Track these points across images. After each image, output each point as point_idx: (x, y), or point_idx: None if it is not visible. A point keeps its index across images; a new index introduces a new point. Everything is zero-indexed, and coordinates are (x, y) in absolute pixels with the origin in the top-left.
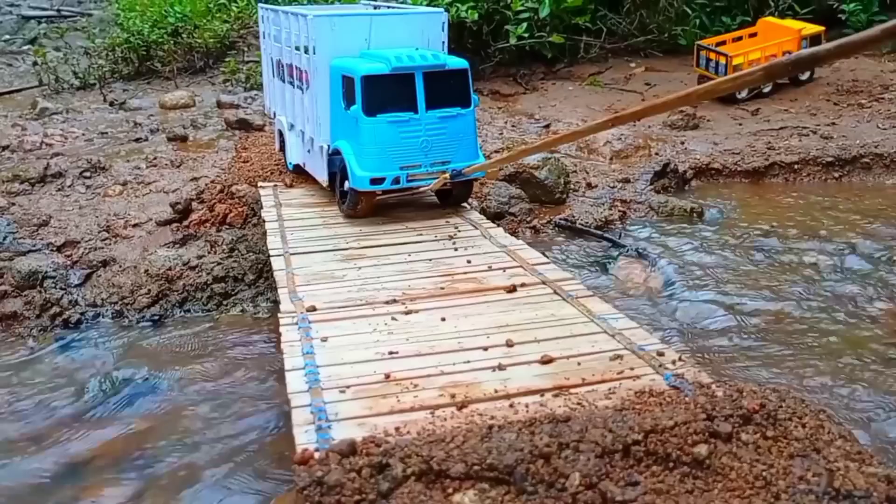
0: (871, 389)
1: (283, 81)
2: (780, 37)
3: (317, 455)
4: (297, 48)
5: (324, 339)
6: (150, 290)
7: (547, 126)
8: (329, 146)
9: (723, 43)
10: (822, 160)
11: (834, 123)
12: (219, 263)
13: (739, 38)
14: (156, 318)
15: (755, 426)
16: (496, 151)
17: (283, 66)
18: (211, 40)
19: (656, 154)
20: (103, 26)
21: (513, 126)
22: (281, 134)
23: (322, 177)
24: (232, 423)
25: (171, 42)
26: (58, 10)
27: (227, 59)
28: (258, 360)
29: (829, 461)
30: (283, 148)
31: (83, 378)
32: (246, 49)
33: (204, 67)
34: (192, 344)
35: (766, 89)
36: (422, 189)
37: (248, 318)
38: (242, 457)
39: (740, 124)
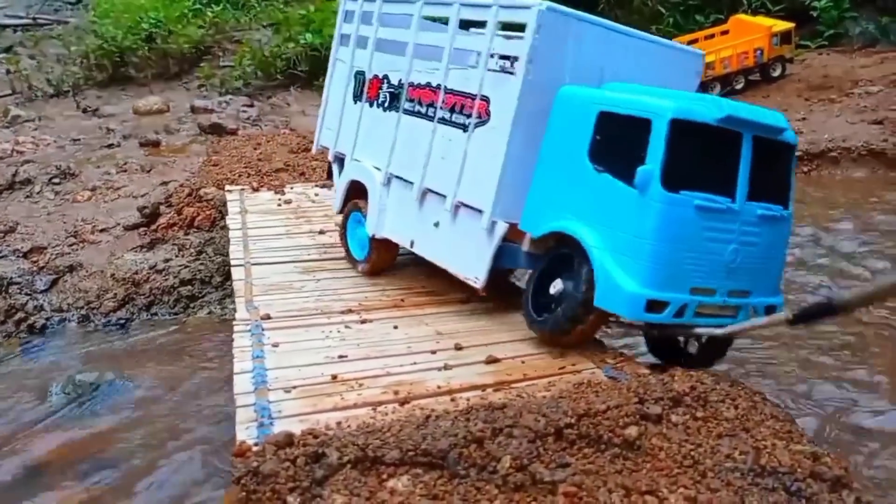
0: (826, 376)
1: (386, 109)
2: (751, 34)
3: (254, 448)
4: (456, 62)
5: (275, 345)
6: (116, 294)
7: None
8: (508, 225)
9: (695, 41)
10: None
11: (804, 118)
12: (186, 266)
13: (712, 36)
14: (122, 321)
15: (685, 408)
16: None
17: (393, 87)
18: (186, 45)
19: None
20: (79, 34)
21: None
22: (353, 189)
23: (469, 269)
24: (193, 424)
25: (146, 48)
26: (34, 19)
27: (201, 65)
28: (222, 362)
29: (756, 440)
30: (345, 209)
31: (47, 382)
32: (221, 54)
33: (179, 73)
34: (158, 347)
35: (739, 86)
36: (701, 332)
37: (215, 321)
38: (201, 456)
39: None
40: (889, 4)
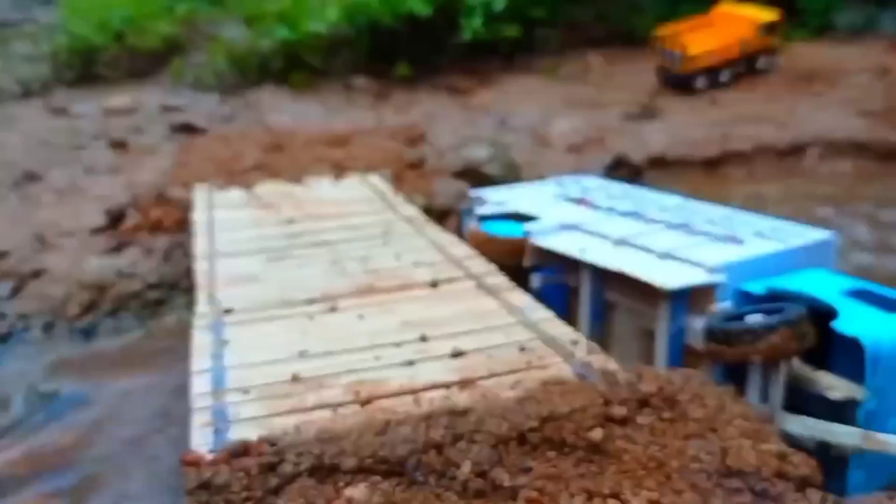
0: None
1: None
2: (736, 24)
3: (208, 457)
4: None
5: (235, 342)
6: (81, 300)
7: (503, 121)
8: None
9: (681, 31)
10: (775, 147)
11: (791, 110)
12: (153, 270)
13: (697, 27)
14: (87, 328)
15: (652, 409)
16: (450, 148)
17: None
18: (157, 43)
19: (612, 146)
20: (48, 33)
21: (467, 121)
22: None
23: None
24: (158, 432)
25: (116, 46)
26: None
27: (173, 62)
28: (188, 368)
29: (724, 440)
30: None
31: (9, 393)
32: (193, 51)
33: (150, 71)
34: (123, 353)
35: (724, 79)
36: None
37: (183, 326)
38: (165, 465)
39: (699, 114)
40: None
